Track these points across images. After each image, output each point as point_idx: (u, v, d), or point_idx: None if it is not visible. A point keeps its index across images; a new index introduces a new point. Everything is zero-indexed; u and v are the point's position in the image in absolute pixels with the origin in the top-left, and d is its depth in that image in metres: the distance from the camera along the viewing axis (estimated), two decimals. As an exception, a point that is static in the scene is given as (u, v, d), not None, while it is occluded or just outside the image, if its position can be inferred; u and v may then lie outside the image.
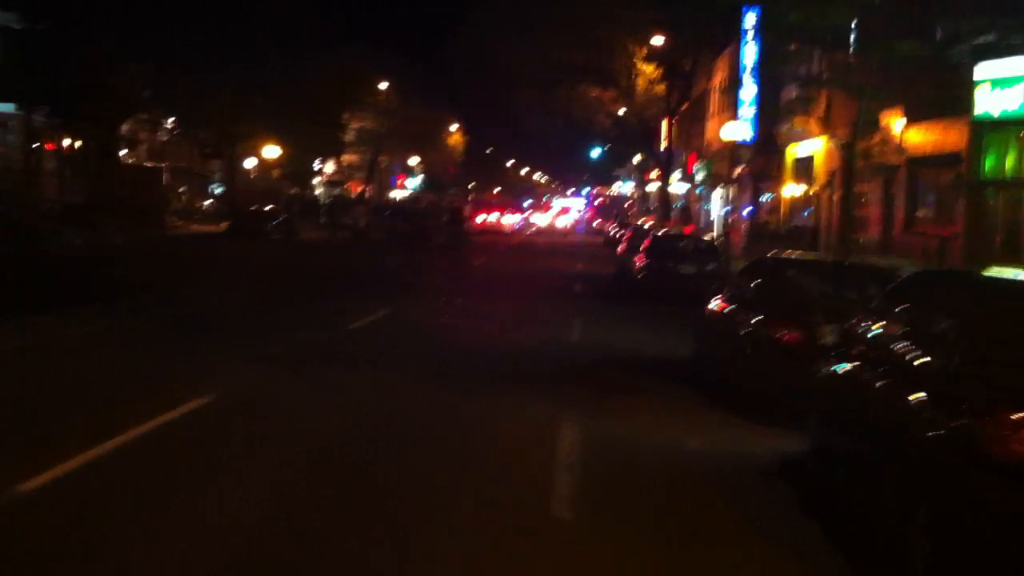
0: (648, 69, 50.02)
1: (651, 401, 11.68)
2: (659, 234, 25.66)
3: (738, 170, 44.30)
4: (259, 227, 41.69)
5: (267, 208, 44.28)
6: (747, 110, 38.12)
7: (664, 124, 55.83)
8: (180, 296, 20.30)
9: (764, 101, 38.94)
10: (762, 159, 40.11)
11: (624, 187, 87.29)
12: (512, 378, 12.69)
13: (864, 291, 11.62)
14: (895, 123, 26.57)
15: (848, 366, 7.63)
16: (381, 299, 19.99)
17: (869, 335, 7.67)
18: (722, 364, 12.05)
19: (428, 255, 24.23)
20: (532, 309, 20.73)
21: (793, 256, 14.38)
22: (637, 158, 78.96)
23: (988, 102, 18.49)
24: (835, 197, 32.09)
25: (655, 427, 10.18)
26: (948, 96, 21.61)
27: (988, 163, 20.58)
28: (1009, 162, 19.70)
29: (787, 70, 37.22)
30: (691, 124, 62.14)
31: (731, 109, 47.77)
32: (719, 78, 53.58)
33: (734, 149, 43.77)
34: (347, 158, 70.53)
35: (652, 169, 72.25)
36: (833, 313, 10.55)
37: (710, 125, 57.46)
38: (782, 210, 38.58)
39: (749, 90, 38.46)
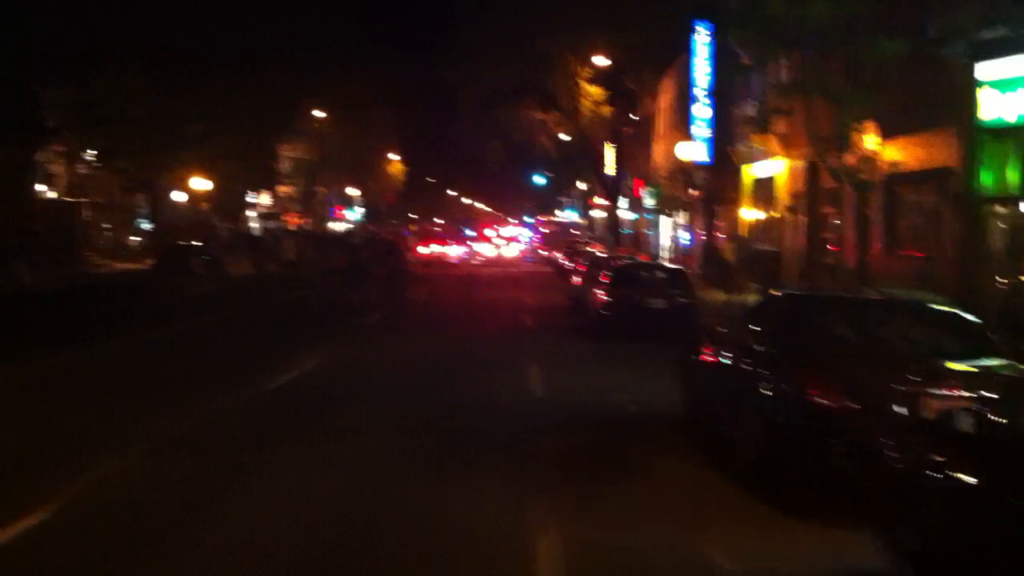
0: (592, 90, 47.60)
1: (650, 484, 8.96)
2: (621, 263, 22.94)
3: (691, 193, 42.04)
4: (185, 263, 38.55)
5: (194, 243, 41.00)
6: (701, 129, 35.79)
7: (610, 148, 53.48)
8: (76, 349, 17.06)
9: (717, 119, 36.73)
10: (717, 181, 37.79)
11: (569, 215, 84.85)
12: (465, 452, 9.94)
13: (908, 335, 9.06)
14: (867, 138, 24.31)
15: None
16: (309, 346, 17.07)
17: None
18: (732, 430, 9.37)
19: (363, 291, 21.22)
20: (484, 353, 17.94)
21: (813, 292, 11.73)
22: (582, 184, 76.62)
23: (997, 107, 16.12)
24: (800, 219, 29.81)
25: (666, 531, 7.44)
26: (936, 103, 19.24)
27: (986, 177, 18.22)
28: (1013, 175, 17.34)
29: (740, 87, 35.10)
30: (636, 147, 59.83)
31: (680, 129, 45.53)
32: (665, 99, 51.41)
33: (686, 171, 41.51)
34: (283, 189, 67.45)
35: (597, 195, 69.92)
36: (891, 368, 7.97)
37: (656, 148, 55.25)
38: (740, 234, 36.22)
39: (702, 108, 36.14)
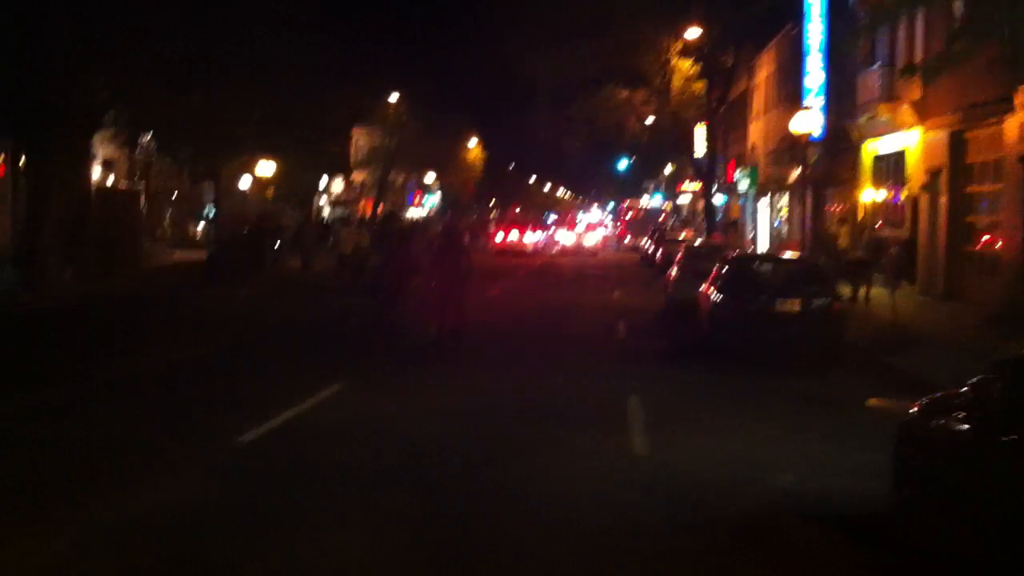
0: (684, 65, 42.25)
1: None
2: (736, 254, 17.76)
3: (795, 173, 36.62)
4: (239, 257, 34.06)
5: (257, 232, 36.66)
6: (813, 100, 30.38)
7: (703, 128, 48.09)
8: (61, 382, 12.33)
9: (832, 90, 31.33)
10: (829, 159, 32.38)
11: (654, 200, 79.33)
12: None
13: None
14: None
15: None
16: (319, 382, 12.07)
17: None
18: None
19: (415, 299, 16.35)
20: (557, 380, 13.05)
21: None
22: (668, 168, 71.12)
23: None
24: (942, 201, 24.36)
25: None
26: None
27: None
28: None
29: (857, 55, 29.69)
30: (728, 130, 54.32)
31: (781, 105, 40.12)
32: (763, 74, 45.91)
33: (794, 148, 36.16)
34: (358, 176, 63.22)
35: (686, 179, 64.46)
36: None
37: (753, 128, 49.76)
38: (857, 219, 30.75)
39: (815, 76, 30.75)
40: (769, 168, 41.19)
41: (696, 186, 57.06)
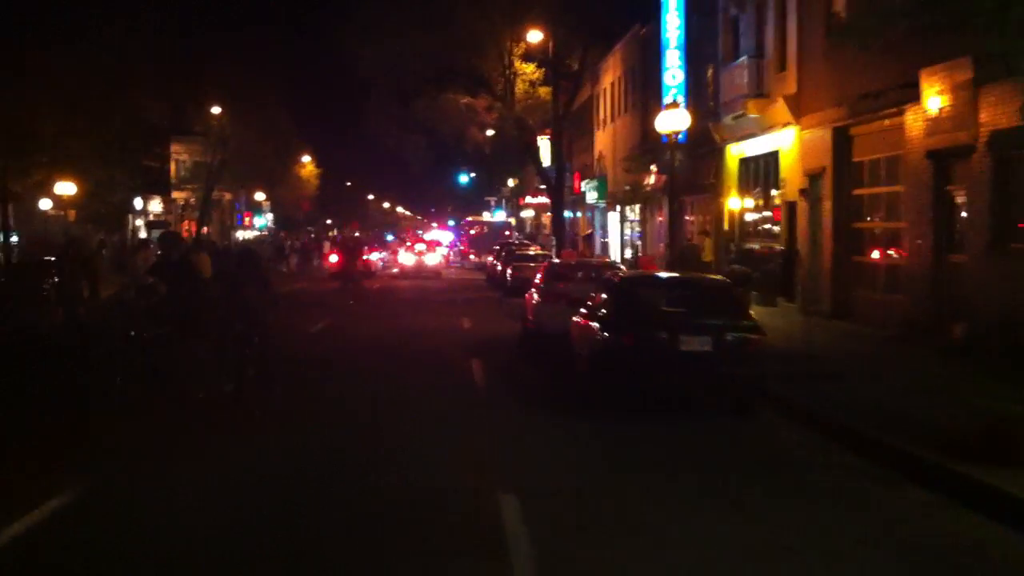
0: (527, 69, 38.86)
1: None
2: (624, 276, 13.92)
3: (649, 181, 33.68)
4: (35, 286, 29.14)
5: (48, 259, 31.34)
6: (674, 99, 27.22)
7: (546, 139, 44.75)
8: None
9: (689, 90, 28.38)
10: (686, 165, 29.35)
11: (497, 216, 75.80)
12: None
13: None
14: (931, 86, 16.09)
15: None
16: (67, 467, 7.85)
17: None
18: None
19: (204, 336, 12.01)
20: (394, 460, 8.96)
21: None
22: (511, 181, 67.81)
23: None
24: (825, 206, 21.41)
25: None
26: None
27: None
28: None
29: (720, 52, 26.90)
30: (572, 140, 51.15)
31: (632, 110, 37.22)
32: (609, 79, 43.03)
33: (643, 156, 33.22)
34: (180, 195, 57.71)
35: (528, 193, 61.24)
36: None
37: (599, 136, 46.86)
38: (724, 229, 27.84)
39: (675, 73, 27.71)
40: (620, 177, 38.18)
41: (541, 199, 53.90)
